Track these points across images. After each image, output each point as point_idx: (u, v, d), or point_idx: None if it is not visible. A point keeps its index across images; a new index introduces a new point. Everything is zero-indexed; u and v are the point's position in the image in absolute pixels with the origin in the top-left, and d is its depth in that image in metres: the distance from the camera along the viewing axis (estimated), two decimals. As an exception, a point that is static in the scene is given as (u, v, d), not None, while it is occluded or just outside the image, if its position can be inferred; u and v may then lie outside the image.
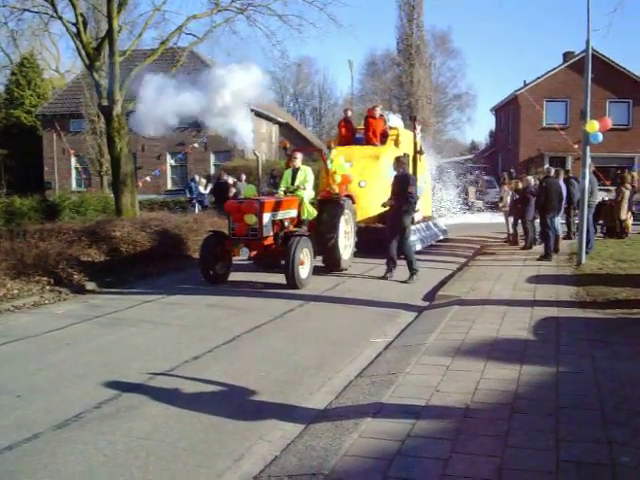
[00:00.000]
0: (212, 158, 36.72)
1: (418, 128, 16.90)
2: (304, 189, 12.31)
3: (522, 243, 16.62)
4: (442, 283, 11.42)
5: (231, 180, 22.03)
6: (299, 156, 12.72)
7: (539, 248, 14.97)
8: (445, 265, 13.77)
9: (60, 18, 17.88)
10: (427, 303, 9.88)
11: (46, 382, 6.16)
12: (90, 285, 11.27)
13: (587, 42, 12.48)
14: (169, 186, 37.43)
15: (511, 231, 17.73)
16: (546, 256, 13.72)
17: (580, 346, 6.73)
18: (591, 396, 5.18)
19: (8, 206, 18.85)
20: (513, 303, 9.01)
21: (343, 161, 13.76)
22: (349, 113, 17.98)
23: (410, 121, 17.78)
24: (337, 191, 12.80)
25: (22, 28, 20.97)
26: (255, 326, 8.28)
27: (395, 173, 12.12)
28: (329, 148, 13.63)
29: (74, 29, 17.86)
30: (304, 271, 11.16)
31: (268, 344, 7.47)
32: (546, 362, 6.12)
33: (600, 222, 18.78)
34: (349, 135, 17.04)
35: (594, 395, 5.20)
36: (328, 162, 13.14)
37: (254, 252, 11.33)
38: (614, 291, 9.57)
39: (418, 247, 14.95)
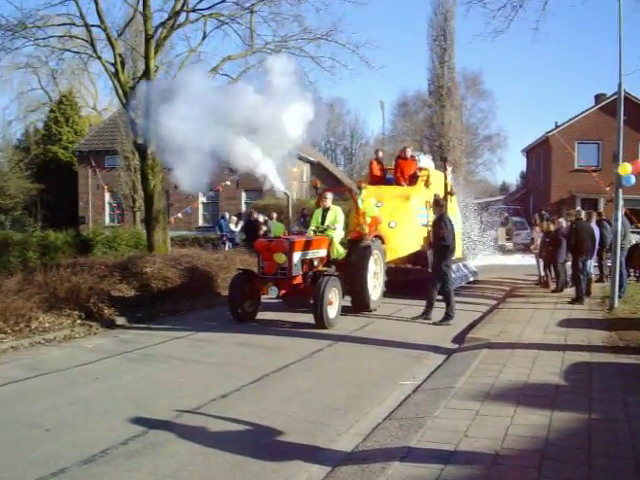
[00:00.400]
0: (243, 196, 37.02)
1: (449, 169, 16.88)
2: (334, 229, 12.36)
3: (553, 286, 16.44)
4: (472, 325, 11.31)
5: (262, 218, 22.19)
6: (329, 196, 12.78)
7: (570, 291, 14.79)
8: (475, 307, 13.64)
9: (99, 58, 18.34)
10: (456, 346, 9.78)
11: (74, 416, 6.19)
12: (120, 320, 11.36)
13: (619, 85, 12.47)
14: (200, 223, 37.77)
15: (542, 273, 17.56)
16: (578, 299, 13.55)
17: (613, 392, 6.61)
18: (624, 444, 5.07)
19: (42, 240, 19.12)
20: (544, 347, 8.88)
21: (374, 202, 13.78)
22: (380, 153, 18.12)
23: (441, 162, 17.81)
24: (367, 231, 12.81)
25: (62, 67, 21.67)
26: (283, 365, 8.26)
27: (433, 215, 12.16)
28: (360, 188, 13.68)
29: (112, 69, 18.30)
30: (332, 311, 11.06)
31: (296, 384, 7.44)
32: (578, 408, 6.01)
33: (633, 266, 18.51)
34: (380, 175, 17.13)
35: (627, 443, 5.09)
36: (359, 202, 13.18)
37: (283, 291, 11.27)
38: (648, 336, 9.40)
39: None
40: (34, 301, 10.56)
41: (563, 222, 16.23)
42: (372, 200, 13.79)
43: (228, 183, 34.72)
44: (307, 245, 11.67)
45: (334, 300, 11.14)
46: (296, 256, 11.21)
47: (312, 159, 43.32)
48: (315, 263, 12.04)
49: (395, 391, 7.21)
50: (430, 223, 12.78)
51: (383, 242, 13.48)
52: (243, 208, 36.04)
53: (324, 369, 8.19)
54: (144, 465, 4.97)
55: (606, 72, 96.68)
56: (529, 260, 22.33)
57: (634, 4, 20.36)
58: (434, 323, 11.56)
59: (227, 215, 26.13)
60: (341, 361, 8.68)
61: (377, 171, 17.17)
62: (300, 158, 40.22)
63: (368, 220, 12.97)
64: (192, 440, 5.49)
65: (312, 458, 5.13)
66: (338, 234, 12.48)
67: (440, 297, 11.85)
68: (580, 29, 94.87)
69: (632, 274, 18.57)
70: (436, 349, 9.50)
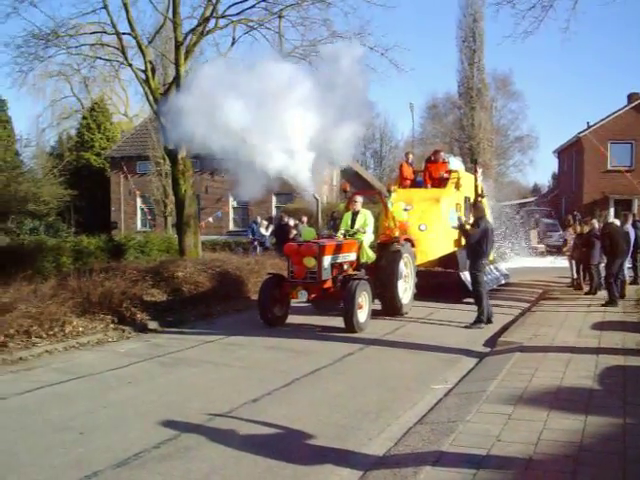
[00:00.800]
0: (274, 200, 37.14)
1: (479, 171, 16.66)
2: (364, 232, 12.31)
3: (587, 288, 16.23)
4: (504, 329, 11.20)
5: (292, 222, 22.22)
6: (359, 199, 12.76)
7: (604, 293, 14.59)
8: (507, 310, 13.52)
9: (130, 65, 18.55)
10: (488, 349, 9.70)
11: (108, 420, 6.27)
12: (152, 324, 11.47)
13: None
14: (231, 227, 37.99)
15: (575, 276, 17.35)
16: (611, 302, 13.35)
17: (648, 397, 6.50)
18: (661, 450, 4.99)
19: (76, 245, 19.37)
20: (577, 350, 8.76)
21: (402, 205, 13.76)
22: (410, 156, 18.02)
23: (471, 164, 17.67)
24: (397, 234, 12.80)
25: (94, 75, 22.01)
26: (314, 369, 8.27)
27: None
28: (389, 191, 13.62)
29: (143, 76, 18.50)
30: (362, 315, 10.99)
31: (327, 388, 7.44)
32: (612, 413, 5.92)
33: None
34: (410, 178, 17.03)
35: (664, 449, 5.01)
36: (388, 205, 13.15)
37: (313, 295, 11.30)
38: (684, 340, 9.24)
39: None
40: (68, 306, 10.71)
41: (596, 223, 16.02)
42: (401, 204, 13.76)
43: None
44: (337, 249, 11.64)
45: (364, 304, 11.07)
46: (326, 260, 11.22)
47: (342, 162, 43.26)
48: (345, 267, 11.99)
49: (427, 395, 7.17)
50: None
51: (413, 245, 13.42)
52: (274, 212, 36.17)
53: (355, 373, 8.18)
54: (176, 468, 5.01)
55: (639, 71, 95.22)
56: (561, 262, 22.10)
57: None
58: (465, 326, 11.50)
59: (259, 219, 26.19)
60: (372, 365, 8.67)
61: (408, 174, 17.05)
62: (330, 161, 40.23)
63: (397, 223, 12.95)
64: (224, 444, 5.52)
65: (343, 462, 5.13)
66: (368, 238, 12.41)
67: (471, 300, 11.83)
68: (611, 28, 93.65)
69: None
70: (468, 352, 9.43)
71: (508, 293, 16.64)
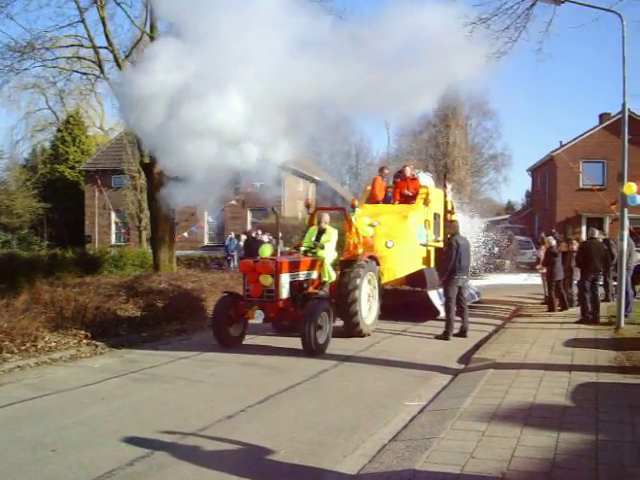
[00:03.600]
0: (249, 215, 37.14)
1: (449, 187, 16.49)
2: (322, 248, 11.94)
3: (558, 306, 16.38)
4: (477, 346, 11.28)
5: (266, 238, 22.19)
6: (326, 216, 12.48)
7: (576, 310, 14.74)
8: (481, 327, 13.59)
9: (107, 79, 18.54)
10: (462, 366, 9.76)
11: (81, 437, 6.20)
12: (126, 340, 11.37)
13: (623, 104, 12.51)
14: (206, 242, 37.90)
15: (547, 293, 17.53)
16: (584, 319, 13.51)
17: (620, 413, 6.57)
18: (632, 467, 5.05)
19: (49, 259, 19.21)
20: (550, 367, 8.85)
21: (367, 221, 13.30)
22: (386, 171, 17.35)
23: (444, 180, 17.38)
24: (360, 251, 12.50)
25: (70, 88, 21.92)
26: (289, 386, 8.25)
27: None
28: (353, 207, 13.16)
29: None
30: (322, 336, 10.46)
31: (302, 405, 7.43)
32: (585, 430, 5.99)
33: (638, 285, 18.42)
34: (381, 194, 16.45)
35: (635, 466, 5.07)
36: (352, 220, 12.81)
37: (270, 315, 10.75)
38: (655, 357, 9.37)
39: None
40: (40, 320, 10.62)
41: (552, 240, 16.33)
42: (365, 220, 13.32)
43: (234, 202, 34.88)
44: (296, 266, 11.24)
45: (324, 325, 10.55)
46: (284, 278, 10.75)
47: (317, 178, 43.49)
48: (305, 285, 11.54)
49: (401, 412, 7.19)
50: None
51: (378, 263, 12.96)
52: (249, 227, 36.15)
53: (330, 390, 8.17)
54: (150, 486, 4.97)
55: (610, 91, 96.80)
56: (534, 279, 22.30)
57: (638, 24, 20.48)
58: (437, 336, 12.06)
59: (233, 234, 26.11)
60: (347, 381, 8.67)
61: (380, 189, 16.49)
62: (305, 177, 40.42)
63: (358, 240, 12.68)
64: (198, 461, 5.49)
65: (318, 480, 5.12)
66: (330, 255, 12.06)
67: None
68: (584, 49, 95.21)
69: (638, 293, 18.48)
70: (442, 369, 9.47)
71: (482, 310, 16.73)
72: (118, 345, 11.04)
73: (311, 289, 11.60)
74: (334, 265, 12.08)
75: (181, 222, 35.69)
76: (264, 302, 10.62)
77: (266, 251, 11.07)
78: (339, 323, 11.85)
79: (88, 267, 19.29)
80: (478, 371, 8.93)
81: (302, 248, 12.29)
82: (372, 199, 16.37)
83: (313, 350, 10.14)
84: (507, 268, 32.49)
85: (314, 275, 11.79)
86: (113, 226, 39.72)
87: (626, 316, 12.90)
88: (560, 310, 15.99)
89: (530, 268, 28.75)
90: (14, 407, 7.27)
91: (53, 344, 10.27)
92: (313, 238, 12.29)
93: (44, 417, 6.90)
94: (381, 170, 17.58)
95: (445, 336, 11.97)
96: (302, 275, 11.42)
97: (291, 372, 9.08)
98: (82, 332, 11.00)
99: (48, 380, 8.61)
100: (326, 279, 11.85)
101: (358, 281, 11.80)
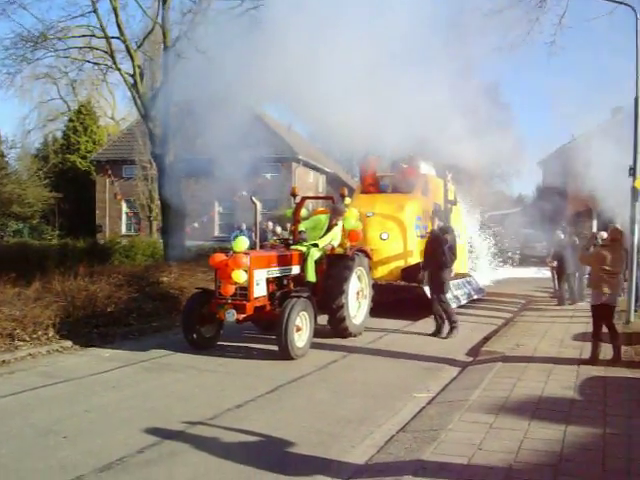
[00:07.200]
0: (259, 206, 37.11)
1: (449, 176, 15.96)
2: (315, 246, 11.05)
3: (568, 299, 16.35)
4: (486, 339, 11.28)
5: (279, 229, 22.08)
6: (341, 209, 11.64)
7: (586, 305, 14.69)
8: (490, 320, 13.60)
9: (118, 69, 18.61)
10: (471, 359, 9.77)
11: (91, 424, 6.26)
12: (137, 329, 11.44)
13: (636, 99, 12.42)
14: (217, 233, 37.94)
15: (557, 287, 17.48)
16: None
17: (628, 408, 6.58)
18: (639, 460, 5.06)
19: (61, 248, 19.33)
20: (559, 361, 8.86)
21: (356, 213, 12.30)
22: (374, 159, 16.47)
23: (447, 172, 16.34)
24: (348, 245, 11.53)
25: (81, 78, 22.02)
26: (298, 376, 8.30)
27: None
28: (342, 196, 12.21)
29: (131, 80, 18.54)
30: (301, 339, 9.53)
31: (311, 395, 7.47)
32: (592, 423, 6.00)
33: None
34: (373, 182, 15.89)
35: (642, 460, 5.08)
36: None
37: (242, 315, 9.47)
38: (664, 352, 9.36)
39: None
40: (52, 309, 10.67)
41: (560, 234, 16.29)
42: (354, 211, 12.29)
43: (244, 193, 34.85)
44: (273, 261, 10.25)
45: (303, 326, 9.64)
46: (259, 274, 9.72)
47: (328, 170, 43.41)
48: (285, 282, 10.63)
49: (409, 403, 7.22)
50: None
51: (370, 257, 12.15)
52: (259, 219, 36.07)
53: (338, 381, 8.21)
54: (160, 474, 5.03)
55: (624, 85, 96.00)
56: (545, 273, 22.25)
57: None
58: (444, 337, 11.50)
59: (244, 226, 26.03)
60: (355, 372, 8.71)
61: (370, 178, 15.94)
62: (316, 169, 40.37)
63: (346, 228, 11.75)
64: (207, 450, 5.53)
65: (326, 470, 5.15)
66: (318, 253, 11.03)
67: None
68: (598, 42, 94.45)
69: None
70: (451, 362, 9.49)
71: (491, 303, 16.72)
72: (128, 334, 11.12)
73: (292, 286, 10.65)
74: (320, 260, 11.05)
75: (192, 213, 35.82)
76: (237, 301, 9.53)
77: (240, 244, 9.74)
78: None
79: (99, 257, 19.40)
80: (487, 364, 8.95)
81: (301, 230, 11.49)
82: (365, 188, 15.81)
83: (290, 355, 9.19)
84: (515, 262, 32.36)
85: (296, 270, 10.79)
86: (124, 216, 39.81)
87: (636, 311, 12.86)
88: (570, 304, 15.97)
89: (540, 262, 28.64)
90: (26, 394, 7.33)
91: (64, 332, 10.34)
92: (322, 232, 11.49)
93: (55, 404, 6.97)
94: (368, 158, 16.79)
95: (451, 331, 11.56)
96: (281, 271, 10.42)
97: (300, 363, 9.12)
98: (93, 321, 11.06)
99: (59, 368, 8.68)
100: (310, 279, 10.77)
101: (344, 286, 10.87)
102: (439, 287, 11.56)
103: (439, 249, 11.42)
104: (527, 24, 11.94)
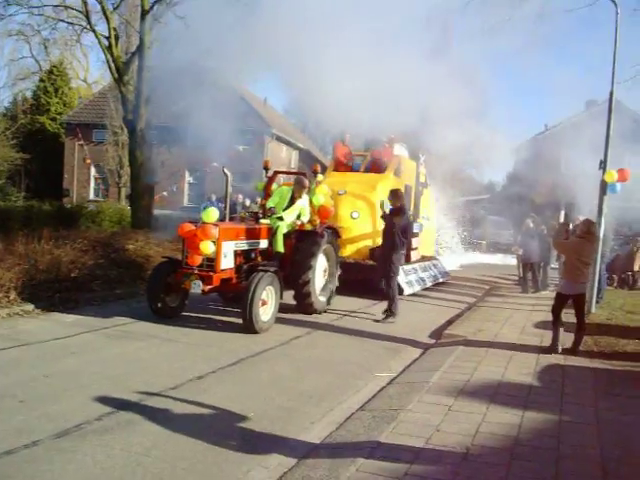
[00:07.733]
0: (229, 177, 36.89)
1: (422, 158, 16.13)
2: (281, 219, 11.01)
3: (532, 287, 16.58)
4: (449, 322, 11.40)
5: (248, 202, 21.98)
6: (306, 183, 11.52)
7: (549, 293, 14.91)
8: (454, 304, 13.74)
9: (93, 31, 18.22)
10: (433, 341, 9.86)
11: (50, 389, 6.19)
12: (100, 295, 11.32)
13: (611, 93, 12.52)
14: (185, 203, 37.67)
15: (521, 274, 17.70)
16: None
17: (584, 396, 6.70)
18: (593, 447, 5.16)
19: (26, 210, 18.98)
20: (519, 348, 8.98)
21: (327, 190, 12.23)
22: (347, 137, 16.59)
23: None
24: (317, 222, 11.53)
25: (55, 37, 21.51)
26: (261, 350, 8.30)
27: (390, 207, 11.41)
28: (315, 173, 12.10)
29: (106, 42, 18.17)
30: (266, 313, 9.56)
31: (273, 369, 7.48)
32: (549, 410, 6.10)
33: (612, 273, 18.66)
34: (345, 161, 16.00)
35: (596, 447, 5.18)
36: (312, 187, 11.88)
37: (208, 287, 9.53)
38: (622, 343, 9.54)
39: (411, 290, 14.21)
40: (14, 272, 10.49)
41: (530, 223, 16.47)
42: (325, 187, 12.21)
43: (215, 164, 34.56)
44: (242, 233, 10.23)
45: (269, 300, 9.67)
46: (227, 246, 9.72)
47: (301, 145, 43.28)
48: (252, 255, 10.58)
49: (370, 382, 7.27)
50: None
51: (339, 235, 12.24)
52: (229, 190, 35.87)
53: (301, 356, 8.23)
54: (117, 442, 4.99)
55: (598, 78, 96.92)
56: (511, 260, 22.52)
57: (632, 12, 20.48)
58: (376, 320, 11.16)
59: (214, 197, 25.84)
60: (319, 349, 8.73)
61: (342, 156, 16.02)
62: (289, 144, 40.19)
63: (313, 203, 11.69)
64: (167, 420, 5.51)
65: (285, 445, 5.18)
66: (286, 226, 11.00)
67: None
68: (575, 34, 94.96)
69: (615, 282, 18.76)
70: (413, 343, 9.57)
71: (455, 287, 16.90)
72: (92, 300, 11.00)
73: (259, 260, 10.64)
74: (289, 235, 11.06)
75: (162, 181, 35.48)
76: (203, 272, 9.55)
77: (210, 215, 9.66)
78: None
79: (65, 221, 19.04)
80: (448, 347, 9.04)
81: (271, 206, 11.40)
82: (338, 166, 15.85)
83: (254, 328, 9.23)
84: (480, 248, 32.77)
85: (264, 244, 10.82)
86: (92, 181, 39.31)
87: (597, 302, 13.08)
88: (533, 292, 16.20)
89: (506, 249, 29.00)
90: (-17, 356, 7.23)
91: (26, 296, 10.18)
92: (285, 203, 11.47)
93: (13, 368, 6.87)
94: (343, 136, 16.74)
95: (391, 314, 11.19)
96: (249, 244, 10.42)
97: (264, 336, 9.12)
98: (56, 285, 10.90)
99: (20, 332, 8.55)
100: (279, 250, 10.81)
101: (312, 262, 10.90)
102: (387, 270, 11.19)
103: (390, 231, 11.23)
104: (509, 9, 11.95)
